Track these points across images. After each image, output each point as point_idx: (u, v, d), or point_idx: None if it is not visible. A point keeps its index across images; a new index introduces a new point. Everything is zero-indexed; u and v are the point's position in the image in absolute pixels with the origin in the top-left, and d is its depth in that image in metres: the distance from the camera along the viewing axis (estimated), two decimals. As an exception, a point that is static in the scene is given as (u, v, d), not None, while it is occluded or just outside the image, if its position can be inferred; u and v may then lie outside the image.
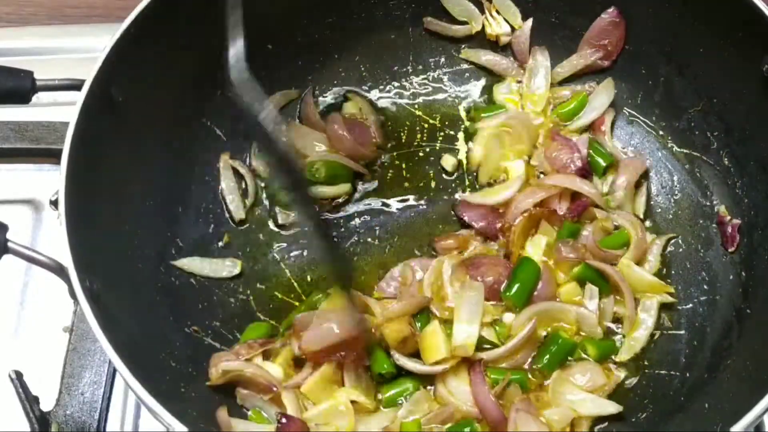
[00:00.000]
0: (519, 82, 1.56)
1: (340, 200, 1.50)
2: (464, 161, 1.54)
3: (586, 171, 1.46)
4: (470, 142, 1.54)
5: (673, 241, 1.44)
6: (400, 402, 1.29)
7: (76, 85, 1.24)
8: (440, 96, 1.60)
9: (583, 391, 1.28)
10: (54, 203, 1.52)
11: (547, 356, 1.31)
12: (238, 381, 1.29)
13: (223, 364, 1.27)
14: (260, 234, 1.47)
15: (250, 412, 1.29)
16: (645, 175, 1.49)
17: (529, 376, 1.31)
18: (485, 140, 1.50)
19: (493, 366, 1.30)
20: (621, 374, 1.32)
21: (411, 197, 1.51)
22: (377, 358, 1.29)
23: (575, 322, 1.33)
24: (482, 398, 1.25)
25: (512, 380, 1.28)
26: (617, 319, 1.37)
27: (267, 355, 1.32)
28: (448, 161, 1.53)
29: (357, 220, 1.49)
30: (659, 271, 1.41)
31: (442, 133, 1.56)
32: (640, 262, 1.41)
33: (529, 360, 1.32)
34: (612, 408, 1.27)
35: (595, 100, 1.52)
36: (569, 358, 1.32)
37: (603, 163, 1.47)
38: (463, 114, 1.58)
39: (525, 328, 1.30)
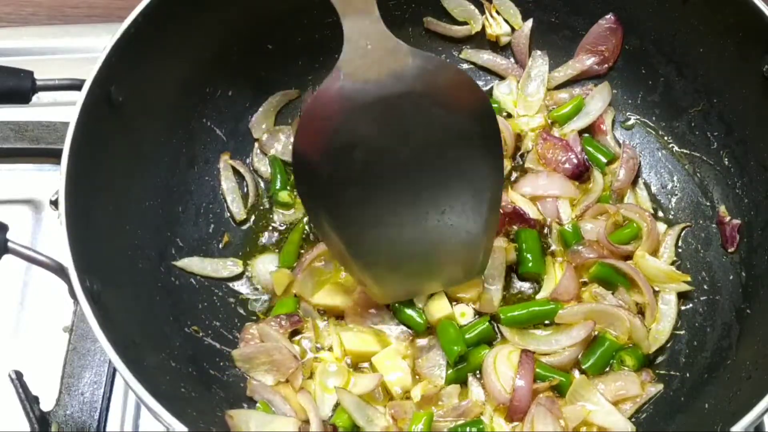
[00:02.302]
0: (519, 81, 1.57)
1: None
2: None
3: (582, 168, 1.46)
4: None
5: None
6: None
7: (76, 85, 1.24)
8: (440, 96, 1.60)
9: (604, 400, 1.27)
10: (54, 203, 1.53)
11: (594, 358, 1.31)
12: (256, 363, 1.31)
13: (261, 326, 1.33)
14: (260, 234, 1.48)
15: (257, 404, 1.29)
16: (639, 171, 1.50)
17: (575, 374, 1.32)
18: None
19: (539, 359, 1.31)
20: (655, 389, 1.31)
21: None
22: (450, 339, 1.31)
23: (627, 331, 1.32)
24: (521, 384, 1.26)
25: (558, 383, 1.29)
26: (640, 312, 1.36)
27: (292, 336, 1.35)
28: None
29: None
30: (674, 264, 1.42)
31: (442, 133, 1.57)
32: (655, 253, 1.41)
33: (576, 358, 1.33)
34: (625, 427, 1.26)
35: (590, 104, 1.53)
36: (611, 361, 1.32)
37: (604, 160, 1.49)
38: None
39: (582, 327, 1.31)
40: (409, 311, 1.35)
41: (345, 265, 1.33)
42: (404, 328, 1.35)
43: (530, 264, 1.39)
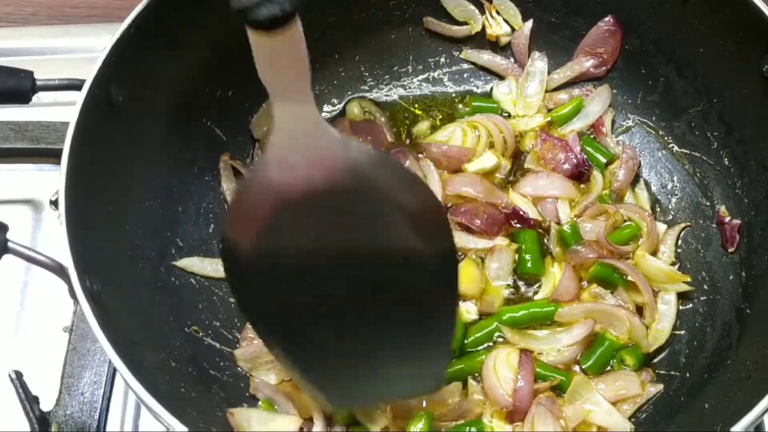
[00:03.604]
0: (519, 82, 1.57)
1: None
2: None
3: (582, 169, 1.46)
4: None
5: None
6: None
7: (76, 85, 1.24)
8: (441, 96, 1.60)
9: (603, 400, 1.27)
10: (54, 203, 1.52)
11: (594, 357, 1.32)
12: (259, 363, 1.31)
13: None
14: (260, 234, 1.47)
15: (260, 403, 1.30)
16: (639, 171, 1.51)
17: (576, 371, 1.32)
18: (452, 130, 1.52)
19: (539, 359, 1.31)
20: (655, 389, 1.31)
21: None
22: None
23: (627, 330, 1.32)
24: (522, 384, 1.25)
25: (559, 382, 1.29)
26: (639, 309, 1.36)
27: None
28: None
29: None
30: (674, 265, 1.42)
31: (442, 133, 1.56)
32: (654, 253, 1.41)
33: (576, 358, 1.33)
34: (624, 426, 1.26)
35: (589, 106, 1.53)
36: (611, 361, 1.32)
37: (603, 160, 1.49)
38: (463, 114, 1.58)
39: (583, 326, 1.31)
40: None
41: (289, 371, 1.26)
42: None
43: (529, 264, 1.39)
